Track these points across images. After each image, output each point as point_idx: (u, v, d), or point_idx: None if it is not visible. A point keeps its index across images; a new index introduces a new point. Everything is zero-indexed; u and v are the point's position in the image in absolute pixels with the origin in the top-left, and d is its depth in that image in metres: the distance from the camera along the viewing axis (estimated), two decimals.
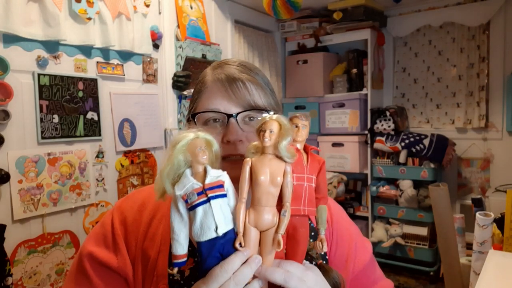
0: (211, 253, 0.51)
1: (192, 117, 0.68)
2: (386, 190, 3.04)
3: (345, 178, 3.12)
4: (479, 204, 1.66)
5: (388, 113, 3.04)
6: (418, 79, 3.29)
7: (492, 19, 2.88)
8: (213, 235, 0.50)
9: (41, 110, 1.72)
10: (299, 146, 0.57)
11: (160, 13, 2.31)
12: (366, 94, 3.12)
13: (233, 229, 0.52)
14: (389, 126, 3.00)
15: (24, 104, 1.67)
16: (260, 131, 0.53)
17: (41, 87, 1.72)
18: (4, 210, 1.61)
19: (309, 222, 0.74)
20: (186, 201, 0.51)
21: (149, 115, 2.24)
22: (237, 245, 0.52)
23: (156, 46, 2.29)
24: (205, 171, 0.52)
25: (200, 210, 0.50)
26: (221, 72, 0.68)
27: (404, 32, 3.24)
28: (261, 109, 0.67)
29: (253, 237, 0.53)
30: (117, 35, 2.00)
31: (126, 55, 2.10)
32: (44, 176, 1.74)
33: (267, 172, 0.52)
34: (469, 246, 1.59)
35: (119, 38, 2.01)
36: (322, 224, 0.58)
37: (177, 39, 2.40)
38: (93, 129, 1.94)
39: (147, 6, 2.18)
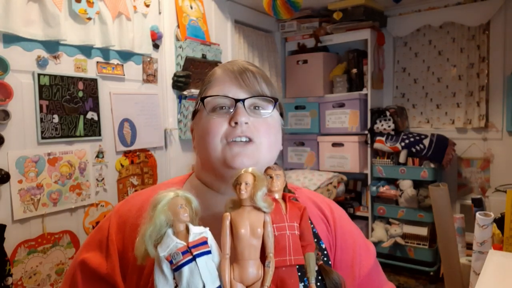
0: None
1: (201, 101, 0.70)
2: (386, 190, 3.04)
3: (345, 178, 3.12)
4: (479, 204, 1.66)
5: (388, 113, 3.03)
6: (418, 79, 3.29)
7: (492, 19, 2.88)
8: None
9: (41, 110, 1.72)
10: (277, 195, 0.58)
11: (160, 13, 2.31)
12: (366, 94, 3.12)
13: (219, 287, 0.51)
14: (389, 126, 3.00)
15: (24, 104, 1.67)
16: (236, 185, 0.53)
17: (41, 87, 1.72)
18: (4, 210, 1.61)
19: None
20: (170, 262, 0.50)
21: (149, 115, 2.24)
22: None
23: (156, 46, 2.29)
24: (187, 229, 0.52)
25: (186, 270, 0.49)
26: (231, 65, 0.71)
27: (404, 32, 3.24)
28: (268, 97, 0.70)
29: None
30: (117, 35, 2.00)
31: (126, 55, 2.10)
32: (44, 176, 1.74)
33: (247, 225, 0.52)
34: (469, 246, 1.59)
35: (119, 38, 2.01)
36: (311, 273, 0.56)
37: (177, 39, 2.40)
38: (93, 129, 1.94)
39: (147, 6, 2.18)
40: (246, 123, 0.66)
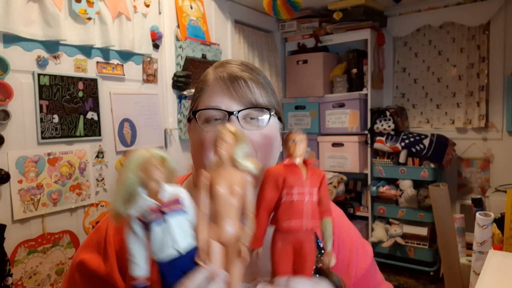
0: (172, 272, 0.49)
1: (193, 115, 0.68)
2: (386, 190, 3.04)
3: (345, 178, 3.12)
4: (479, 204, 1.66)
5: (388, 113, 3.03)
6: (418, 79, 3.29)
7: (492, 19, 2.88)
8: (172, 253, 0.49)
9: (41, 110, 1.72)
10: (298, 160, 0.58)
11: (160, 13, 2.31)
12: (366, 94, 3.12)
13: (195, 246, 0.50)
14: (389, 126, 3.00)
15: (24, 104, 1.67)
16: (215, 144, 0.52)
17: (41, 87, 1.72)
18: (4, 210, 1.61)
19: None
20: (141, 221, 0.49)
21: (149, 115, 2.24)
22: (198, 261, 0.50)
23: (156, 46, 2.29)
24: (161, 189, 0.51)
25: (157, 228, 0.49)
26: (223, 70, 0.68)
27: (404, 32, 3.24)
28: (262, 107, 0.67)
29: (217, 252, 0.51)
30: (117, 35, 2.00)
31: (126, 55, 2.10)
32: (44, 176, 1.74)
33: (225, 183, 0.51)
34: (469, 246, 1.59)
35: (119, 38, 2.01)
36: (328, 238, 0.57)
37: (177, 39, 2.40)
38: (93, 129, 1.94)
39: (147, 6, 2.18)
40: None
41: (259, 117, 0.67)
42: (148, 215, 0.49)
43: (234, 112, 0.64)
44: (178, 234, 0.49)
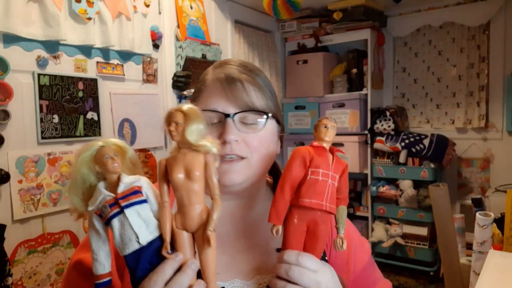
0: (138, 265, 0.47)
1: None
2: (386, 190, 3.03)
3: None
4: (479, 204, 1.66)
5: (388, 113, 3.03)
6: (418, 79, 3.29)
7: (492, 19, 2.88)
8: (136, 246, 0.47)
9: (41, 110, 1.72)
10: (326, 145, 0.60)
11: (160, 13, 2.31)
12: (366, 94, 3.12)
13: (159, 237, 0.48)
14: (389, 126, 3.00)
15: (24, 104, 1.67)
16: (167, 127, 0.49)
17: (41, 87, 1.72)
18: (4, 210, 1.61)
19: None
20: (100, 216, 0.47)
21: (149, 115, 2.24)
22: (164, 252, 0.48)
23: (156, 46, 2.29)
24: (120, 180, 0.48)
25: (116, 222, 0.46)
26: (221, 71, 0.68)
27: (404, 32, 3.24)
28: (258, 111, 0.66)
29: (185, 240, 0.49)
30: (117, 35, 2.00)
31: (126, 55, 2.10)
32: (44, 176, 1.74)
33: (182, 168, 0.48)
34: (469, 246, 1.59)
35: (119, 38, 2.01)
36: (342, 224, 0.59)
37: (177, 39, 2.40)
38: (93, 129, 1.94)
39: (147, 6, 2.18)
40: (236, 140, 0.64)
41: (256, 120, 0.67)
42: (105, 209, 0.46)
43: (230, 115, 0.64)
44: (138, 226, 0.47)
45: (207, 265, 0.49)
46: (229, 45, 2.81)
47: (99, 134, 1.97)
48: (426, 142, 2.89)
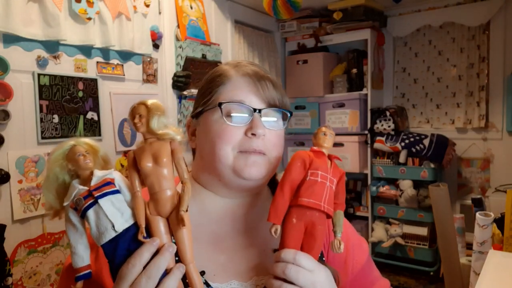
0: (116, 252, 0.49)
1: (219, 106, 0.66)
2: (386, 190, 3.03)
3: (345, 178, 3.11)
4: (479, 204, 1.66)
5: (388, 113, 3.03)
6: (418, 79, 3.29)
7: (492, 19, 2.88)
8: (112, 234, 0.48)
9: (41, 110, 1.72)
10: (325, 151, 0.63)
11: (160, 13, 2.31)
12: (366, 94, 3.12)
13: (134, 224, 0.50)
14: (389, 126, 3.00)
15: (24, 104, 1.67)
16: (133, 121, 0.52)
17: (41, 87, 1.72)
18: (4, 210, 1.61)
19: None
20: (75, 209, 0.49)
21: None
22: (140, 237, 0.49)
23: (156, 46, 2.29)
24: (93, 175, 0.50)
25: (91, 213, 0.48)
26: (246, 68, 0.69)
27: (404, 32, 3.24)
28: (285, 109, 0.69)
29: (160, 225, 0.51)
30: (117, 35, 2.00)
31: (126, 55, 2.10)
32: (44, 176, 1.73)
33: (149, 157, 0.51)
34: (469, 246, 1.59)
35: (119, 38, 2.01)
36: (339, 228, 0.60)
37: (177, 39, 2.40)
38: (93, 129, 1.94)
39: (147, 6, 2.18)
40: (264, 135, 0.65)
41: (278, 118, 0.69)
42: (79, 201, 0.48)
43: (259, 110, 0.65)
44: (113, 215, 0.48)
45: (183, 247, 0.51)
46: (229, 45, 2.82)
47: (99, 134, 1.97)
48: (426, 142, 2.89)
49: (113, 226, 0.48)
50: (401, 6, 3.12)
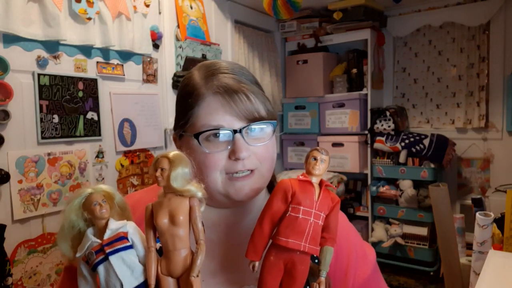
0: None
1: (195, 137, 0.63)
2: (386, 190, 3.03)
3: (345, 178, 3.12)
4: (479, 204, 1.66)
5: (388, 113, 3.03)
6: (418, 79, 3.29)
7: (492, 19, 2.88)
8: None
9: (41, 110, 1.72)
10: (315, 180, 0.56)
11: (160, 13, 2.31)
12: (366, 94, 3.12)
13: (144, 282, 0.49)
14: (389, 126, 3.00)
15: (24, 104, 1.67)
16: (155, 175, 0.51)
17: (41, 87, 1.72)
18: (4, 210, 1.61)
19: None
20: (87, 262, 0.49)
21: (149, 115, 2.24)
22: None
23: (156, 46, 2.29)
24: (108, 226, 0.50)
25: (101, 269, 0.48)
26: (218, 84, 0.63)
27: (404, 32, 3.24)
28: (266, 120, 0.64)
29: (170, 286, 0.49)
30: (117, 35, 2.00)
31: (126, 55, 2.10)
32: (44, 176, 1.74)
33: (166, 214, 0.49)
34: (469, 246, 1.59)
35: (119, 38, 2.01)
36: (325, 267, 0.55)
37: (177, 39, 2.40)
38: (93, 129, 1.94)
39: (147, 6, 2.18)
40: (249, 155, 0.62)
41: (263, 131, 0.65)
42: (91, 255, 0.48)
43: (238, 130, 0.61)
44: (123, 273, 0.47)
45: None
46: (229, 45, 2.82)
47: (99, 134, 1.97)
48: (426, 142, 2.89)
49: (122, 285, 0.47)
50: (401, 6, 3.12)
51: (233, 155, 0.61)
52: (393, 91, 3.39)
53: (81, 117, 1.89)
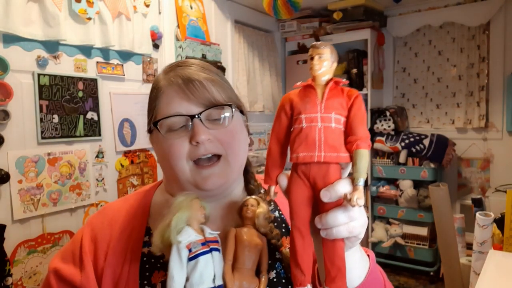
0: None
1: (154, 125, 0.65)
2: (386, 190, 3.03)
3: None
4: (479, 204, 1.66)
5: (388, 113, 3.03)
6: (418, 79, 3.29)
7: (492, 19, 2.88)
8: (210, 285, 0.53)
9: (41, 110, 1.72)
10: (318, 80, 0.49)
11: (160, 13, 2.30)
12: (366, 94, 3.12)
13: (222, 285, 0.55)
14: (389, 126, 3.00)
15: (24, 104, 1.67)
16: (243, 206, 0.61)
17: (41, 87, 1.72)
18: (4, 210, 1.61)
19: (279, 213, 0.72)
20: (190, 250, 0.54)
21: None
22: None
23: (156, 46, 2.29)
24: (200, 229, 0.58)
25: (202, 260, 0.54)
26: (175, 74, 0.66)
27: (404, 32, 3.24)
28: (222, 105, 0.65)
29: None
30: (117, 35, 2.00)
31: (126, 55, 2.10)
32: (44, 176, 1.74)
33: (249, 240, 0.59)
34: (469, 246, 1.59)
35: (119, 38, 2.01)
36: (359, 173, 0.46)
37: (177, 39, 2.40)
38: (93, 129, 1.94)
39: (147, 6, 2.18)
40: (209, 139, 0.63)
41: (222, 115, 0.65)
42: (197, 245, 0.55)
43: (196, 115, 0.62)
44: (218, 268, 0.55)
45: None
46: (229, 45, 2.82)
47: (99, 134, 1.97)
48: (426, 142, 2.89)
49: (214, 278, 0.54)
50: (401, 6, 3.12)
51: (193, 139, 0.62)
52: (393, 91, 3.39)
53: (81, 117, 1.89)
